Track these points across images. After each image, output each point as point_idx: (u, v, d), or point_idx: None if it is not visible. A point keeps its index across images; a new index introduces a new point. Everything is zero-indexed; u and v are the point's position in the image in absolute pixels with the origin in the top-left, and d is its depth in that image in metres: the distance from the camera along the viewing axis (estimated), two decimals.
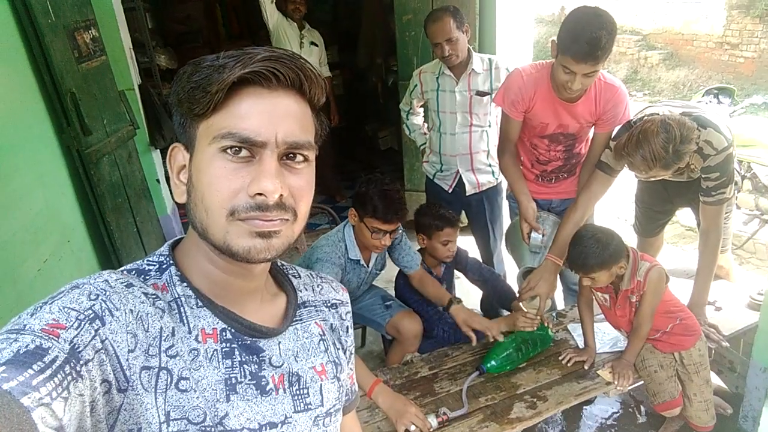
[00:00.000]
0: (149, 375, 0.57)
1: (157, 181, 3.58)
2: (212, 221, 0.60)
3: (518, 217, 2.27)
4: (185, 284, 0.65)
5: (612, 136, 2.01)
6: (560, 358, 2.01)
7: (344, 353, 0.82)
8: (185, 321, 0.63)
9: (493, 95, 2.44)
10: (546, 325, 2.07)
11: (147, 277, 0.64)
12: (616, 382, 1.88)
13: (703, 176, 1.90)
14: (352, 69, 5.77)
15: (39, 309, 0.52)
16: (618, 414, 2.44)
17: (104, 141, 2.61)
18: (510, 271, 2.88)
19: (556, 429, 2.38)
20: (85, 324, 0.52)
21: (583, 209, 2.06)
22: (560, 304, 2.66)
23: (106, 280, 0.58)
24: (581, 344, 2.07)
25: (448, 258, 2.27)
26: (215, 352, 0.63)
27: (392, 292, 2.46)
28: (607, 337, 2.12)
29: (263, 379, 0.66)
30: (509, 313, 2.29)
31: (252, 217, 0.59)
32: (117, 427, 0.54)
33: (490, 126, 2.64)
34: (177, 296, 0.64)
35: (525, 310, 2.13)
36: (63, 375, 0.47)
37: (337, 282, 0.88)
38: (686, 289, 2.10)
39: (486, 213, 2.76)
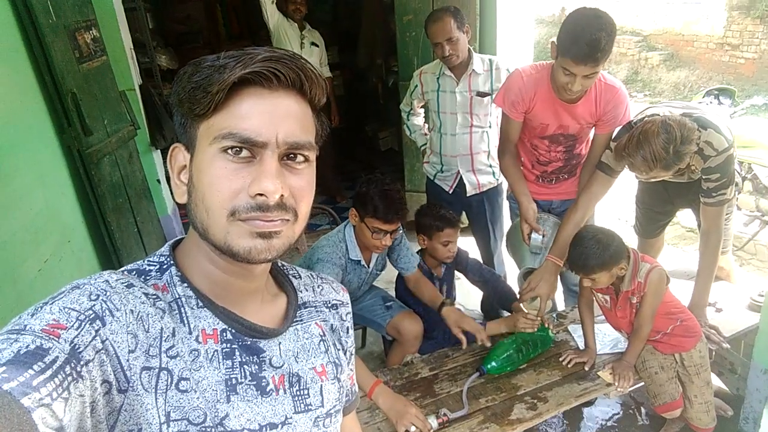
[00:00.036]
0: (150, 375, 0.57)
1: (158, 181, 3.58)
2: (213, 221, 0.60)
3: (519, 219, 2.27)
4: (186, 285, 0.65)
5: (613, 137, 2.01)
6: (561, 359, 2.01)
7: (344, 354, 0.82)
8: (186, 321, 0.63)
9: (494, 96, 2.44)
10: (546, 326, 2.07)
11: (147, 278, 0.64)
12: (616, 384, 1.88)
13: (703, 177, 1.90)
14: (352, 69, 5.78)
15: (39, 309, 0.52)
16: (618, 415, 2.43)
17: (105, 141, 2.61)
18: (510, 272, 2.88)
19: (556, 430, 2.38)
20: (85, 324, 0.52)
21: (584, 210, 2.06)
22: (561, 305, 2.66)
23: (107, 281, 0.58)
24: (582, 345, 2.06)
25: (448, 258, 2.27)
26: (216, 353, 0.63)
27: (393, 293, 2.46)
28: (607, 338, 2.12)
29: (263, 380, 0.66)
30: (510, 314, 2.29)
31: (253, 218, 0.59)
32: (117, 428, 0.54)
33: (490, 127, 2.64)
34: (177, 297, 0.64)
35: (525, 311, 2.13)
36: (63, 375, 0.47)
37: (338, 283, 0.88)
38: (687, 290, 2.10)
39: (486, 214, 2.76)
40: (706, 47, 8.76)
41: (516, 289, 2.33)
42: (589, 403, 2.44)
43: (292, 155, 0.61)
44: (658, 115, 1.80)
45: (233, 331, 0.66)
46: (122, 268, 0.65)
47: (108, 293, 0.57)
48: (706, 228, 2.00)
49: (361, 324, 2.49)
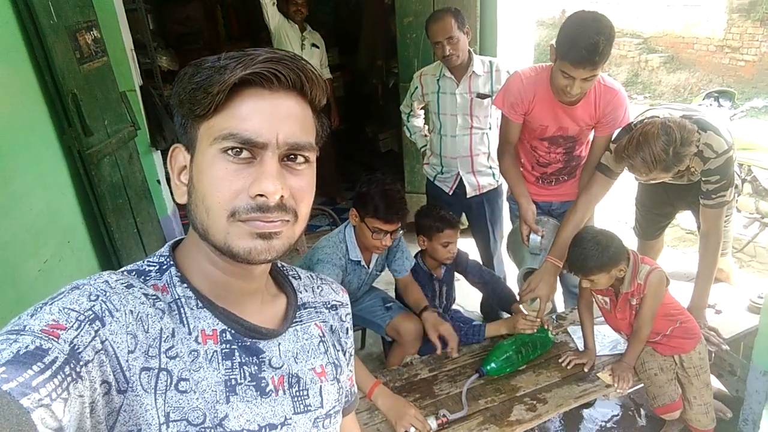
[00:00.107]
0: (149, 376, 0.57)
1: (158, 182, 3.58)
2: (213, 222, 0.60)
3: (519, 221, 2.27)
4: (185, 285, 0.65)
5: (612, 139, 2.01)
6: (560, 360, 2.00)
7: (344, 355, 0.82)
8: (185, 322, 0.63)
9: (494, 98, 2.44)
10: (546, 327, 2.07)
11: (147, 278, 0.64)
12: (616, 385, 1.87)
13: (703, 179, 1.90)
14: (352, 71, 5.78)
15: (39, 310, 0.52)
16: (618, 417, 2.43)
17: (105, 142, 2.61)
18: (510, 273, 2.88)
19: None
20: (85, 325, 0.52)
21: (583, 211, 2.06)
22: (560, 307, 2.66)
23: (106, 281, 0.58)
24: (581, 347, 2.06)
25: (448, 260, 2.27)
26: (215, 354, 0.63)
27: (392, 294, 2.46)
28: (607, 339, 2.12)
29: (263, 381, 0.66)
30: (509, 315, 2.29)
31: (253, 218, 0.59)
32: (117, 428, 0.54)
33: (490, 128, 2.64)
34: (177, 297, 0.64)
35: (525, 312, 2.13)
36: (63, 376, 0.47)
37: (337, 283, 0.88)
38: (686, 292, 2.10)
39: (486, 215, 2.76)
40: (707, 50, 8.76)
41: (516, 290, 2.33)
42: (589, 405, 2.43)
43: (292, 156, 0.62)
44: (658, 117, 1.80)
45: (233, 331, 0.66)
46: (122, 269, 0.65)
47: (108, 294, 0.57)
48: (705, 230, 2.00)
49: (360, 325, 2.49)
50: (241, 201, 0.58)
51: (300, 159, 0.62)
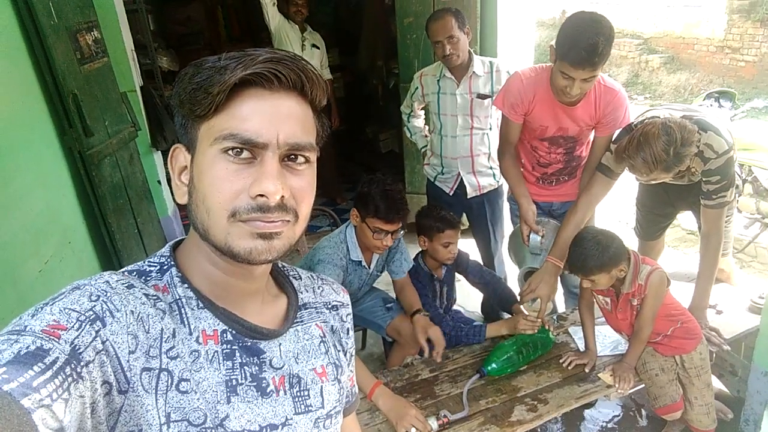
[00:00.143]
0: (150, 376, 0.57)
1: (159, 182, 3.59)
2: (213, 222, 0.60)
3: (519, 222, 2.27)
4: (186, 285, 0.65)
5: (613, 139, 2.01)
6: (561, 361, 2.00)
7: (345, 355, 0.82)
8: (186, 322, 0.63)
9: (494, 98, 2.44)
10: (547, 327, 2.07)
11: (148, 279, 0.64)
12: (617, 386, 1.87)
13: (703, 179, 1.90)
14: (353, 71, 5.78)
15: (40, 310, 0.52)
16: (619, 417, 2.43)
17: (106, 142, 2.61)
18: (511, 273, 2.88)
19: None
20: (85, 325, 0.52)
21: (584, 211, 2.06)
22: (561, 307, 2.66)
23: (107, 281, 0.58)
24: (582, 347, 2.06)
25: (449, 260, 2.27)
26: (216, 354, 0.63)
27: (393, 295, 2.46)
28: (608, 340, 2.12)
29: (264, 381, 0.66)
30: (510, 315, 2.29)
31: (253, 219, 0.59)
32: (117, 429, 0.54)
33: (491, 129, 2.64)
34: (178, 297, 0.64)
35: (526, 312, 2.13)
36: (64, 376, 0.47)
37: (338, 284, 0.88)
38: (687, 292, 2.10)
39: (487, 215, 2.76)
40: (707, 50, 8.76)
41: (516, 290, 2.33)
42: (590, 405, 2.43)
43: (292, 156, 0.62)
44: (659, 117, 1.80)
45: (233, 332, 0.65)
46: (123, 269, 0.65)
47: (108, 294, 0.57)
48: (706, 230, 2.00)
49: (361, 325, 2.49)
50: (241, 201, 0.58)
51: (300, 159, 0.62)
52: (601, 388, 1.90)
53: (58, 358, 0.47)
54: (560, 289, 2.41)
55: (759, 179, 3.81)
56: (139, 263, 0.67)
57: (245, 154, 0.59)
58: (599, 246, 1.74)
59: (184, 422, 0.58)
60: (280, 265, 0.80)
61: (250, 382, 0.65)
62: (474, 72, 2.51)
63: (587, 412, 2.45)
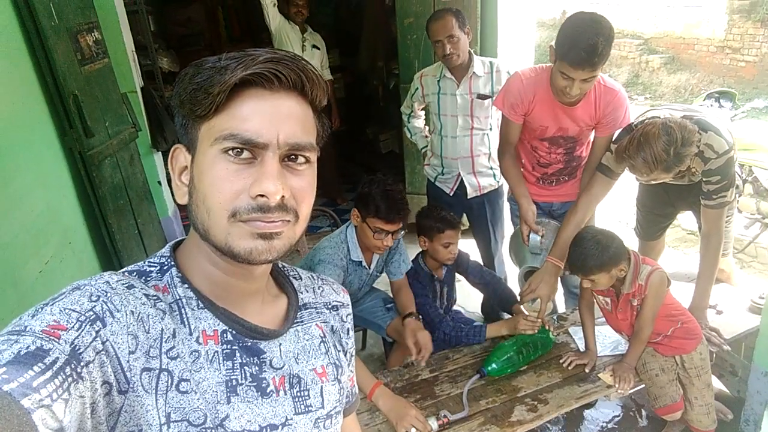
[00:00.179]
0: (150, 376, 0.57)
1: (159, 183, 3.59)
2: (214, 222, 0.60)
3: (519, 221, 2.27)
4: (186, 286, 0.65)
5: (613, 140, 2.01)
6: (561, 361, 2.00)
7: (345, 355, 0.82)
8: (186, 322, 0.63)
9: (494, 98, 2.44)
10: (547, 328, 2.07)
11: (148, 279, 0.64)
12: (617, 386, 1.87)
13: (704, 180, 1.90)
14: (353, 72, 5.78)
15: (40, 310, 0.52)
16: (619, 417, 2.43)
17: (106, 143, 2.61)
18: (511, 274, 2.88)
19: None
20: (85, 325, 0.52)
21: (584, 211, 2.06)
22: (561, 307, 2.66)
23: (107, 282, 0.58)
24: (582, 347, 2.06)
25: (449, 260, 2.27)
26: (216, 354, 0.63)
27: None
28: (608, 340, 2.12)
29: (264, 381, 0.66)
30: (510, 316, 2.29)
31: (253, 219, 0.59)
32: (117, 429, 0.54)
33: (491, 129, 2.64)
34: (178, 298, 0.64)
35: (526, 313, 2.13)
36: (64, 376, 0.47)
37: (338, 284, 0.88)
38: (687, 292, 2.10)
39: (487, 216, 2.76)
40: (707, 50, 8.76)
41: (517, 289, 2.33)
42: (590, 405, 2.43)
43: (293, 156, 0.62)
44: (659, 117, 1.80)
45: (234, 332, 0.66)
46: (123, 269, 0.65)
47: (108, 294, 0.57)
48: (706, 230, 2.00)
49: (361, 326, 2.48)
50: (241, 201, 0.58)
51: (301, 159, 0.62)
52: (601, 388, 1.89)
53: (58, 358, 0.47)
54: (560, 289, 2.41)
55: (759, 179, 3.81)
56: (139, 263, 0.67)
57: (245, 154, 0.59)
58: (599, 246, 1.74)
59: (184, 422, 0.58)
60: (280, 266, 0.80)
61: (250, 382, 0.65)
62: (474, 72, 2.51)
63: (587, 413, 2.45)
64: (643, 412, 2.43)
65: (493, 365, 1.92)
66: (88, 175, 2.43)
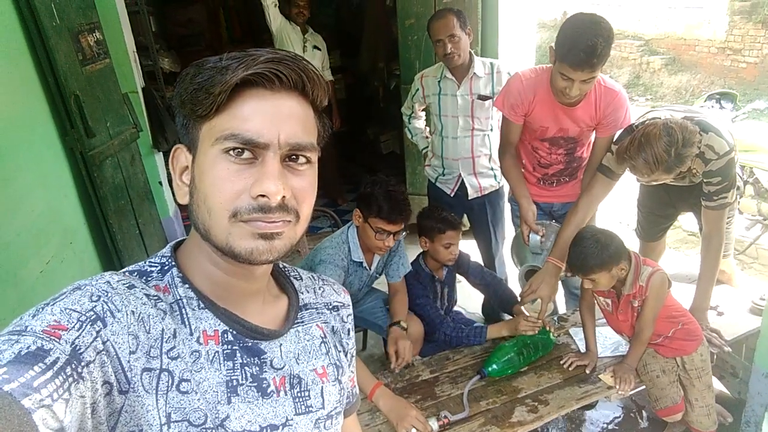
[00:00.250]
0: (150, 376, 0.57)
1: (160, 183, 3.59)
2: (215, 222, 0.60)
3: (520, 221, 2.27)
4: (187, 286, 0.65)
5: (614, 140, 2.01)
6: (562, 362, 2.00)
7: (345, 356, 0.82)
8: (187, 323, 0.63)
9: (494, 99, 2.44)
10: (547, 329, 2.07)
11: (149, 279, 0.64)
12: (617, 387, 1.87)
13: (705, 181, 1.90)
14: (354, 73, 5.78)
15: (41, 310, 0.52)
16: (619, 419, 2.43)
17: (107, 143, 2.61)
18: (512, 275, 2.88)
19: None
20: (86, 325, 0.52)
21: (584, 212, 2.06)
22: (562, 308, 2.66)
23: (108, 282, 0.58)
24: (583, 348, 2.06)
25: (450, 261, 2.27)
26: (216, 354, 0.63)
27: None
28: (608, 341, 2.11)
29: (264, 381, 0.66)
30: (511, 317, 2.28)
31: (254, 219, 0.59)
32: (118, 429, 0.54)
33: (492, 130, 2.64)
34: (179, 298, 0.64)
35: (526, 313, 2.13)
36: (64, 376, 0.47)
37: (339, 284, 0.88)
38: (688, 293, 2.10)
39: (488, 216, 2.76)
40: (708, 51, 8.76)
41: (517, 290, 2.32)
42: (590, 406, 2.43)
43: (294, 156, 0.62)
44: (660, 118, 1.80)
45: (234, 332, 0.65)
46: (123, 270, 0.65)
47: (109, 294, 0.57)
48: (707, 231, 2.00)
49: (362, 326, 2.48)
50: (242, 201, 0.58)
51: (301, 159, 0.62)
52: (601, 389, 1.89)
53: (58, 358, 0.47)
54: (561, 290, 2.40)
55: (760, 180, 3.81)
56: (140, 263, 0.67)
57: (246, 154, 0.59)
58: (599, 244, 1.74)
59: (185, 422, 0.58)
60: (281, 266, 0.80)
61: (250, 382, 0.65)
62: (475, 73, 2.51)
63: (588, 414, 2.45)
64: (644, 414, 2.43)
65: (494, 366, 1.92)
66: (89, 175, 2.43)
